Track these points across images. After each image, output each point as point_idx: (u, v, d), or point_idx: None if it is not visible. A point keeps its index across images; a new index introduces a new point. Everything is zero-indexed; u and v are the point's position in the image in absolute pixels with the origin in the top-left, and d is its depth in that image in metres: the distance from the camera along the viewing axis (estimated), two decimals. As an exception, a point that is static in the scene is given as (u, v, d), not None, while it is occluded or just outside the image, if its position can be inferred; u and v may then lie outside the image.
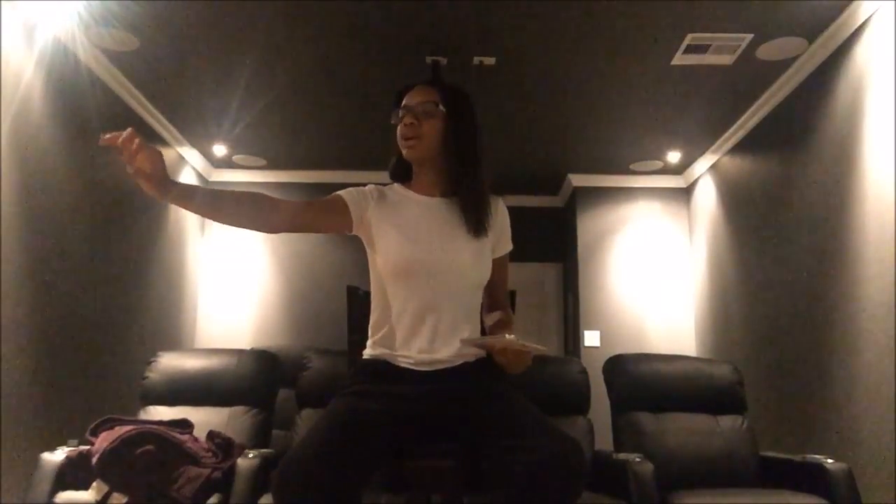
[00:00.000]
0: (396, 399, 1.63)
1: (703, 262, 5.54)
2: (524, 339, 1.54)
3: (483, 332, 1.81)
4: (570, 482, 1.41)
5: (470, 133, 1.79)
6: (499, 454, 1.50)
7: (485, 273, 1.77)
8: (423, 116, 1.74)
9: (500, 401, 1.61)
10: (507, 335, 1.56)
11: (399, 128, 1.76)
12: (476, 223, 1.74)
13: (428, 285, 1.69)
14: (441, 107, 1.75)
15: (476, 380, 1.68)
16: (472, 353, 1.73)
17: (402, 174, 1.85)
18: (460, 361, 1.71)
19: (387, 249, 1.72)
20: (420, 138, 1.74)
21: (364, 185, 1.83)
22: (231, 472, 2.64)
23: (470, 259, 1.73)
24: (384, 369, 1.70)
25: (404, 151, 1.76)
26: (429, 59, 3.98)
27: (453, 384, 1.66)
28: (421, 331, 1.69)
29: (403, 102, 1.77)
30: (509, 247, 1.86)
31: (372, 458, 1.52)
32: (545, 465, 1.40)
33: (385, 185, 1.86)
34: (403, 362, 1.69)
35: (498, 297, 1.86)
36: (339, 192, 1.75)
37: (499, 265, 1.83)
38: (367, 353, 1.77)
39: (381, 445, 1.55)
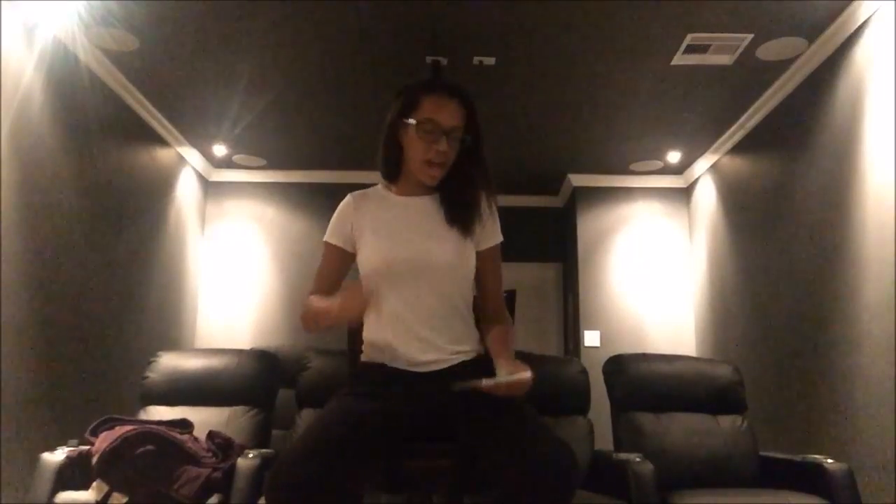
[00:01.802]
0: (392, 400, 1.63)
1: (703, 262, 5.54)
2: (508, 369, 1.55)
3: (483, 344, 1.79)
4: (560, 485, 1.40)
5: (482, 152, 1.78)
6: (492, 455, 1.50)
7: (467, 265, 1.74)
8: (453, 144, 1.70)
9: (495, 402, 1.61)
10: (499, 368, 1.58)
11: (427, 147, 1.68)
12: (458, 216, 1.73)
13: (412, 284, 1.69)
14: (467, 135, 1.72)
15: (472, 380, 1.68)
16: (469, 351, 1.73)
17: (395, 175, 1.83)
18: (457, 361, 1.70)
19: (367, 253, 1.72)
20: (446, 165, 1.72)
21: (361, 186, 1.83)
22: (231, 472, 2.64)
23: (449, 253, 1.70)
24: (380, 372, 1.70)
25: (426, 178, 1.72)
26: (429, 59, 3.98)
27: (449, 384, 1.66)
28: (412, 332, 1.69)
29: (433, 117, 1.68)
30: (498, 238, 1.81)
31: (366, 459, 1.51)
32: (535, 468, 1.40)
33: (368, 185, 1.85)
34: (398, 365, 1.69)
35: (489, 297, 1.82)
36: (328, 241, 1.79)
37: (487, 258, 1.78)
38: (363, 357, 1.77)
39: (375, 446, 1.55)
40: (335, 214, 1.81)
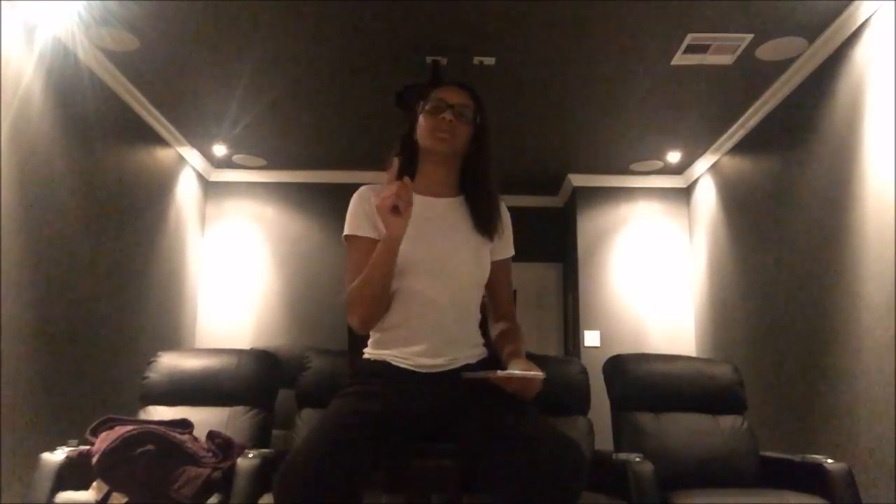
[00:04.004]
0: (397, 399, 1.63)
1: (703, 262, 5.54)
2: (523, 367, 1.58)
3: (488, 346, 1.81)
4: (568, 483, 1.40)
5: (490, 144, 1.81)
6: (497, 455, 1.50)
7: (484, 272, 1.78)
8: (461, 119, 1.75)
9: (499, 402, 1.61)
10: (512, 366, 1.61)
11: (434, 119, 1.74)
12: (485, 224, 1.77)
13: (429, 285, 1.69)
14: (476, 116, 1.77)
15: (476, 381, 1.68)
16: (473, 355, 1.74)
17: (408, 173, 1.84)
18: (461, 363, 1.71)
19: None
20: (454, 137, 1.75)
21: (361, 185, 1.82)
22: (231, 472, 2.64)
23: (470, 258, 1.74)
24: (385, 370, 1.70)
25: (434, 143, 1.75)
26: (429, 59, 3.98)
27: (454, 385, 1.66)
28: (422, 331, 1.69)
29: (440, 96, 1.76)
30: (511, 252, 1.87)
31: (372, 460, 1.51)
32: (543, 466, 1.40)
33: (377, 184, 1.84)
34: (404, 363, 1.69)
35: (502, 303, 1.85)
36: (354, 234, 1.74)
37: (500, 269, 1.83)
38: (368, 354, 1.77)
39: (381, 446, 1.55)
40: (353, 206, 1.77)
